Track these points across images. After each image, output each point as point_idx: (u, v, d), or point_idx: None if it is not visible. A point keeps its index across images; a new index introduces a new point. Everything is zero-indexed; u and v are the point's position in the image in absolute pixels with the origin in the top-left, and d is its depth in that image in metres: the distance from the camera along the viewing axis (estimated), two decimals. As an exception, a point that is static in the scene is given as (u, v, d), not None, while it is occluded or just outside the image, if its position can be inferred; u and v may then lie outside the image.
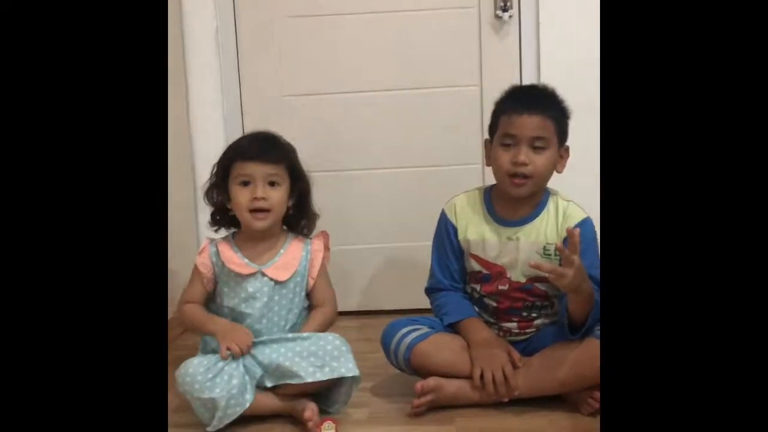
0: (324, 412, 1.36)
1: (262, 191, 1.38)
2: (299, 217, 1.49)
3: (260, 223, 1.41)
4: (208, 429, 1.30)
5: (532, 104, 1.39)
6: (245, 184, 1.40)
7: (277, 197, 1.41)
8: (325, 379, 1.30)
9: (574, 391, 1.33)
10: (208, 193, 1.47)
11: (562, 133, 1.42)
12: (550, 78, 1.92)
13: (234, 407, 1.29)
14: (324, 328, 1.44)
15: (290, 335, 1.37)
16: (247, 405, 1.30)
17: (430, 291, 1.54)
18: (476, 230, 1.46)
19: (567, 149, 1.44)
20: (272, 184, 1.40)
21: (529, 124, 1.37)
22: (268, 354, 1.33)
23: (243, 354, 1.33)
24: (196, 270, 1.45)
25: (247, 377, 1.32)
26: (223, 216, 1.48)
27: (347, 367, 1.32)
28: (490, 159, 1.46)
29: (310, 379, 1.30)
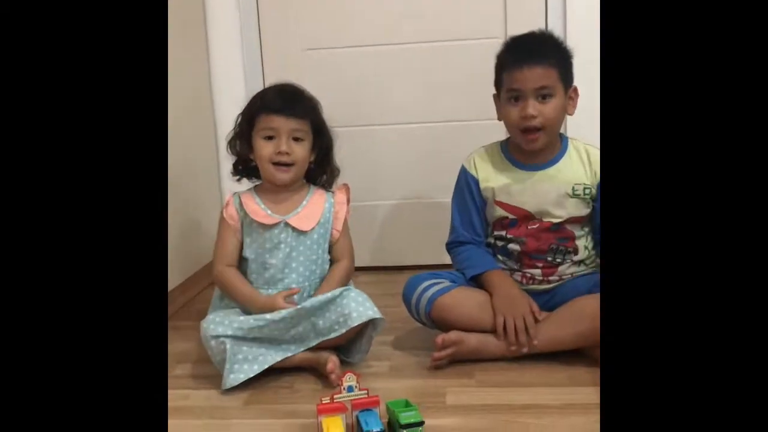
0: (345, 363, 1.38)
1: (286, 145, 1.39)
2: (320, 172, 1.50)
3: (283, 176, 1.42)
4: (223, 387, 1.31)
5: (531, 55, 1.39)
6: (269, 138, 1.40)
7: (301, 152, 1.41)
8: (355, 324, 1.33)
9: (594, 344, 1.34)
10: (231, 144, 1.47)
11: (566, 77, 1.41)
12: (576, 28, 1.89)
13: (241, 364, 1.31)
14: (344, 283, 1.46)
15: (309, 306, 1.34)
16: (255, 369, 1.32)
17: (451, 246, 1.55)
18: (499, 177, 1.48)
19: (575, 89, 1.45)
20: (296, 139, 1.41)
21: (531, 76, 1.38)
22: (305, 344, 1.36)
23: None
24: (225, 224, 1.46)
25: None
26: (245, 166, 1.49)
27: (373, 310, 1.34)
28: (500, 115, 1.47)
29: (335, 335, 1.34)
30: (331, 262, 1.50)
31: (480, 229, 1.51)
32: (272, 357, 1.34)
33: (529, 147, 1.43)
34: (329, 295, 1.35)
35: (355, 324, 1.33)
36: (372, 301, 1.37)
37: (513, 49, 1.44)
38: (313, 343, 1.36)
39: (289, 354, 1.36)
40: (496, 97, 1.49)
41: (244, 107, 1.46)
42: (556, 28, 1.92)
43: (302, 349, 1.36)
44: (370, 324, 1.36)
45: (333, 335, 1.35)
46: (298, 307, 1.34)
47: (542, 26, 1.93)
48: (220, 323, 1.33)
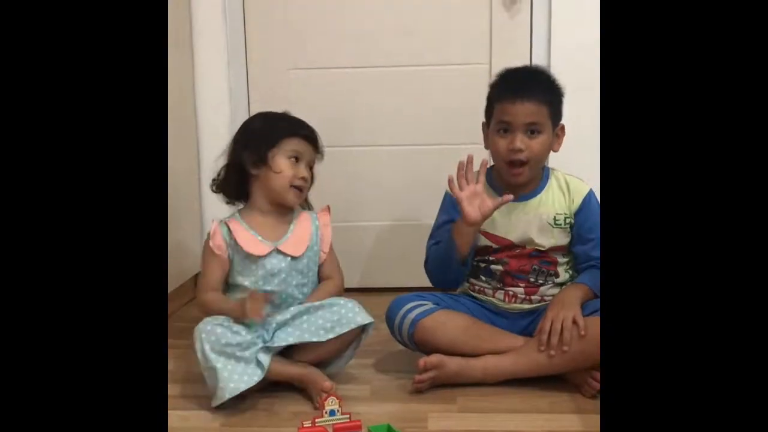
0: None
1: (306, 172, 1.44)
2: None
3: (296, 200, 1.45)
4: (213, 404, 1.29)
5: (524, 91, 1.40)
6: (296, 159, 1.43)
7: (310, 176, 1.47)
8: (344, 332, 1.33)
9: (577, 370, 1.34)
10: (233, 155, 1.46)
11: (555, 115, 1.44)
12: (560, 57, 1.91)
13: (237, 382, 1.28)
14: (336, 296, 1.45)
15: (303, 307, 1.36)
16: (248, 386, 1.29)
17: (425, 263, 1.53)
18: None
19: (562, 128, 1.48)
20: (309, 166, 1.46)
21: (522, 111, 1.39)
22: (284, 338, 1.34)
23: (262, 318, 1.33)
24: (210, 253, 1.42)
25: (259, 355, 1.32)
26: (237, 189, 1.47)
27: (362, 316, 1.36)
28: (488, 144, 1.49)
29: (317, 339, 1.33)
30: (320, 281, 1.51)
31: None
32: (252, 371, 1.31)
33: (514, 181, 1.44)
34: (318, 303, 1.37)
35: (344, 331, 1.33)
36: (362, 307, 1.38)
37: (507, 82, 1.45)
38: (290, 342, 1.33)
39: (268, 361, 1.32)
40: (485, 126, 1.50)
41: (268, 127, 1.45)
42: (540, 57, 1.95)
43: (277, 347, 1.33)
44: (359, 331, 1.37)
45: (315, 339, 1.33)
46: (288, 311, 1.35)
47: (527, 54, 1.96)
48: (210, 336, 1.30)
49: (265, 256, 1.42)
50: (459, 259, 1.42)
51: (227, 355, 1.29)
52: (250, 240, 1.42)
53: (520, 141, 1.39)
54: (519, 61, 1.83)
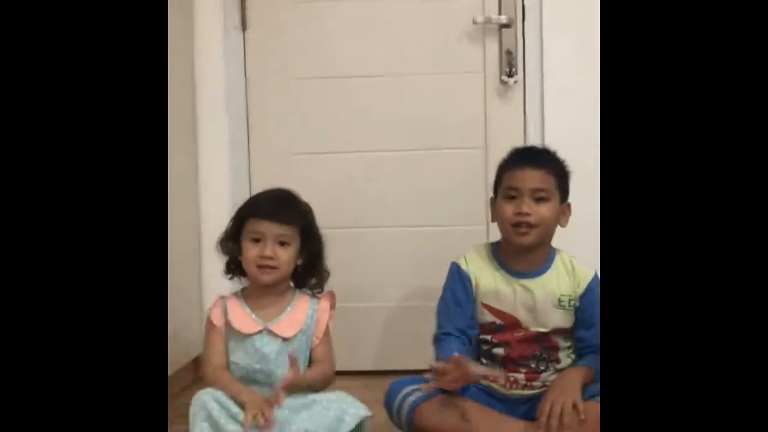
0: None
1: (271, 250, 1.41)
2: (308, 275, 1.51)
3: (266, 277, 1.43)
4: None
5: (533, 159, 1.47)
6: (256, 240, 1.43)
7: (285, 256, 1.43)
8: (352, 426, 1.32)
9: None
10: (223, 243, 1.49)
11: (562, 189, 1.48)
12: (554, 142, 1.96)
13: None
14: (322, 383, 1.44)
15: (306, 400, 1.35)
16: None
17: (435, 339, 1.52)
18: (489, 281, 1.49)
19: (569, 206, 1.50)
20: (282, 243, 1.43)
21: (531, 176, 1.44)
22: None
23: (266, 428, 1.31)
24: (211, 325, 1.46)
25: None
26: (237, 266, 1.50)
27: (364, 408, 1.34)
28: (495, 215, 1.51)
29: None
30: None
31: (470, 323, 1.49)
32: None
33: (520, 241, 1.44)
34: (310, 397, 1.34)
35: (353, 425, 1.31)
36: (356, 398, 1.35)
37: (517, 154, 1.52)
38: None
39: None
40: (493, 200, 1.53)
41: (236, 210, 1.50)
42: (534, 141, 2.00)
43: None
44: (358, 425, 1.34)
45: None
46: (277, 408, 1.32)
47: (521, 141, 2.01)
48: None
49: (254, 335, 1.42)
50: None
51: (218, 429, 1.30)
52: (243, 317, 1.44)
53: (527, 205, 1.42)
54: (513, 145, 1.86)
